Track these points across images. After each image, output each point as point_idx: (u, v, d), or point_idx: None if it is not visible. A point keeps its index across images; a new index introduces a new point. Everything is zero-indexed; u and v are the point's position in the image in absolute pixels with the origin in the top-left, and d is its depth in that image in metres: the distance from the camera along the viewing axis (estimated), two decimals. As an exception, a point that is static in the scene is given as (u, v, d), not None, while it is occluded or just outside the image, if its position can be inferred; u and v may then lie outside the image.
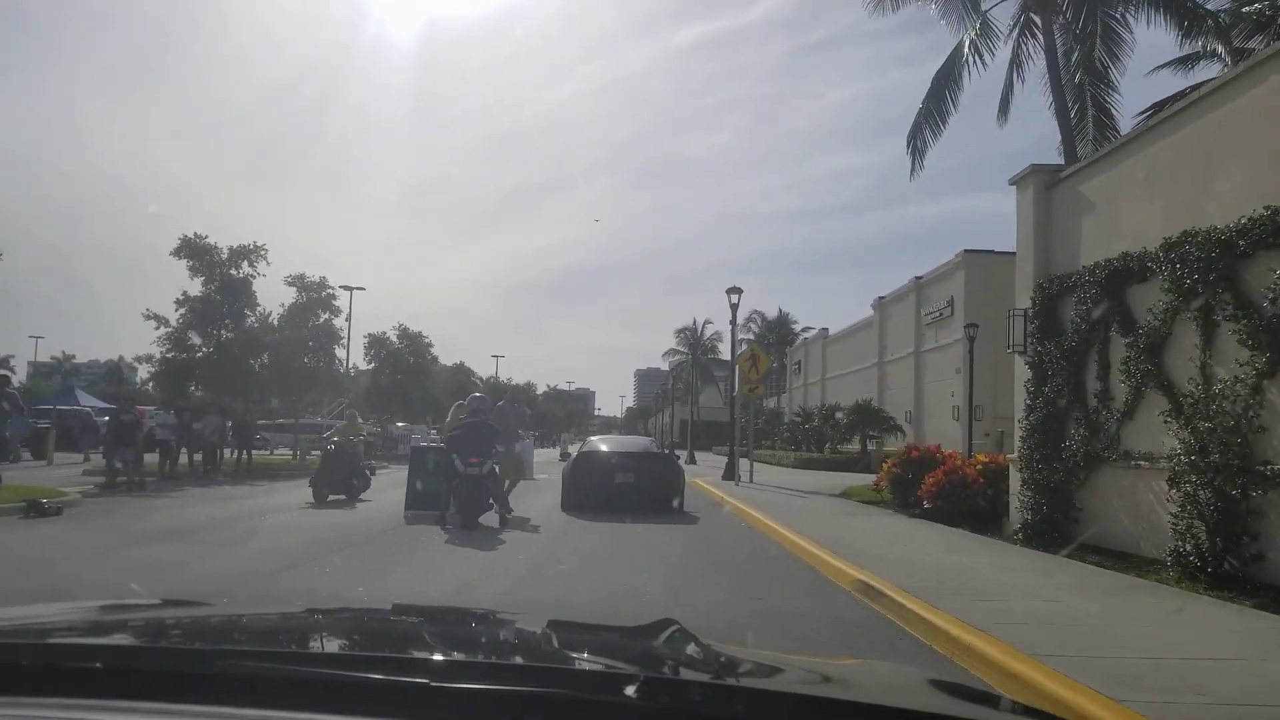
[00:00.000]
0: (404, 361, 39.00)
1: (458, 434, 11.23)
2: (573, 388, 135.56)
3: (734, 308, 22.98)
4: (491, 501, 11.24)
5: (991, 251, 33.67)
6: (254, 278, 23.59)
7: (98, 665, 1.17)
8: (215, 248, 23.19)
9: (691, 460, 38.87)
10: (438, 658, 1.40)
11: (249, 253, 23.26)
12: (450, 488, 11.12)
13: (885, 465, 14.73)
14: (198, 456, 21.29)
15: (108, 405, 39.10)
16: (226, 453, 22.86)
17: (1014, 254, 31.69)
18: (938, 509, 12.04)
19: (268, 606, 2.97)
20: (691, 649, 1.61)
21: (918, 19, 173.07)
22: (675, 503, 13.70)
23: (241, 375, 23.73)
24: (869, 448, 34.38)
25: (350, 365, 29.01)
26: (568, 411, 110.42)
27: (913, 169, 17.22)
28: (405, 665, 1.30)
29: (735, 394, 22.78)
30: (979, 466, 12.20)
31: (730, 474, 22.35)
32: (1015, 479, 10.77)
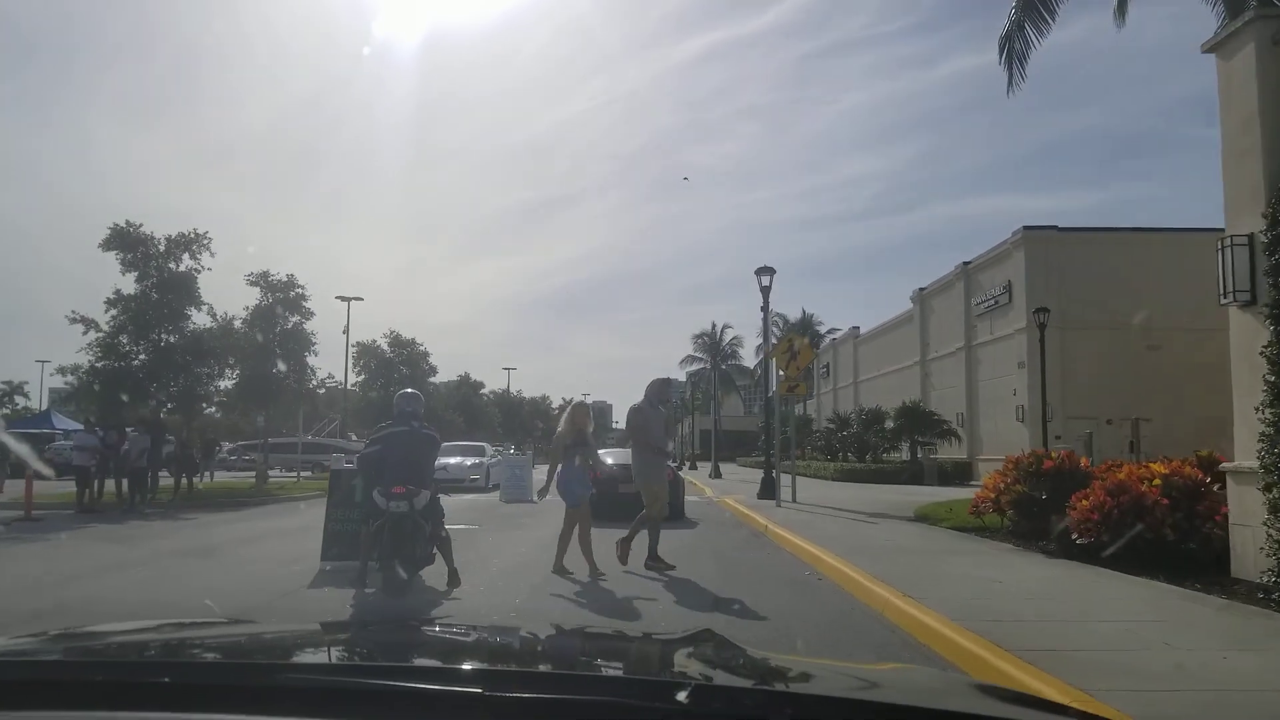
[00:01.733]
0: (397, 372, 35.39)
1: (374, 451, 7.44)
2: (590, 400, 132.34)
3: (766, 290, 19.15)
4: (436, 552, 7.45)
5: (1054, 228, 29.67)
6: (198, 271, 20.04)
7: (165, 680, 1.21)
8: (151, 238, 19.67)
9: (716, 473, 34.82)
10: (491, 667, 1.43)
11: (189, 243, 19.71)
12: (369, 532, 7.36)
13: (991, 480, 10.81)
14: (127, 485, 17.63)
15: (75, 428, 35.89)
16: (186, 480, 19.36)
17: (1080, 230, 27.58)
18: (1096, 544, 8.13)
19: (314, 621, 2.85)
20: (735, 656, 1.66)
21: (927, 21, 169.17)
22: (678, 507, 14.60)
23: (185, 386, 20.14)
24: (919, 455, 30.30)
25: (330, 377, 25.43)
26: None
27: (1010, 82, 13.34)
28: (460, 676, 1.28)
29: (771, 394, 18.88)
30: (1156, 481, 8.26)
31: (768, 491, 18.44)
32: (1247, 501, 6.85)
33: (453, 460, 21.35)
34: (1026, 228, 29.15)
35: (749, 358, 68.77)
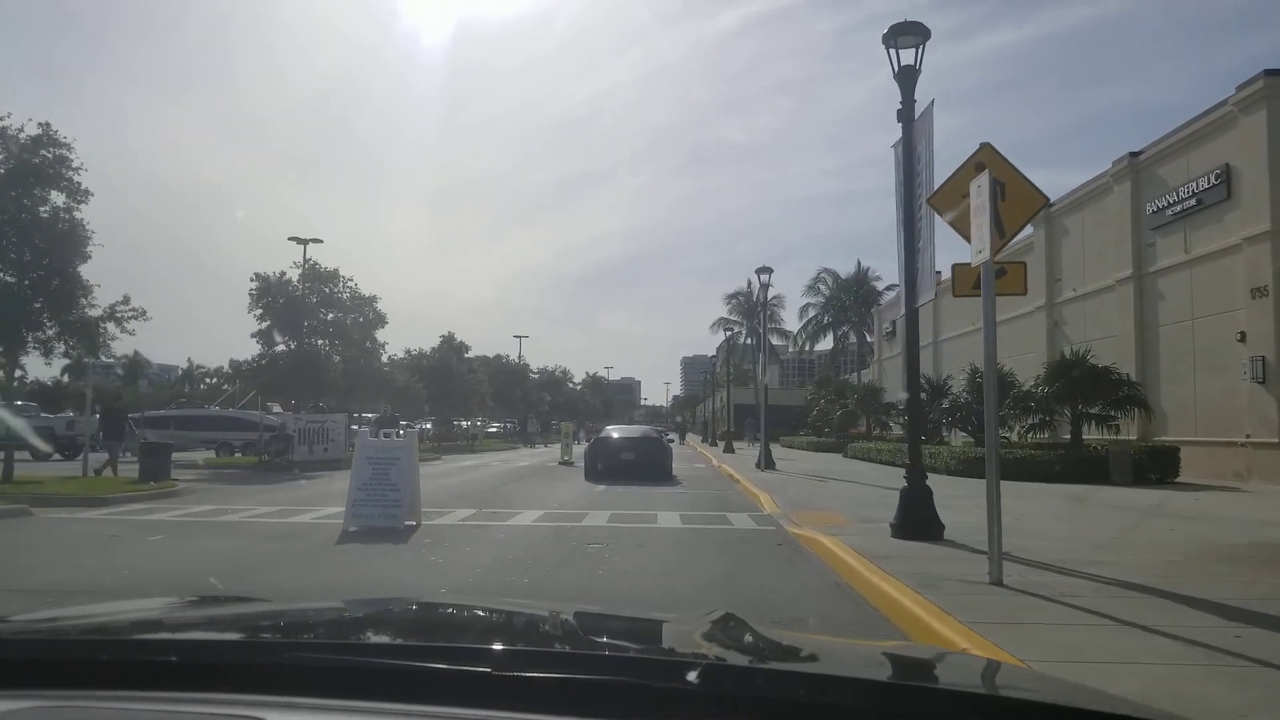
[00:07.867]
0: (313, 317, 25.18)
1: None
2: (616, 376, 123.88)
3: (910, 73, 8.64)
4: None
5: (1318, 71, 18.78)
6: None
7: (173, 659, 1.20)
8: None
9: (767, 463, 23.39)
10: (498, 647, 1.38)
11: None
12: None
13: None
14: None
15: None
16: None
17: None
18: None
19: (325, 601, 2.92)
20: (749, 636, 1.62)
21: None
22: (667, 470, 20.47)
23: None
24: (1084, 435, 19.64)
25: (125, 301, 15.39)
26: (604, 401, 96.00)
27: None
28: (467, 655, 1.26)
29: (922, 302, 8.32)
30: None
31: (917, 523, 8.05)
32: None
33: None
34: (1269, 71, 18.12)
35: (791, 320, 58.88)
